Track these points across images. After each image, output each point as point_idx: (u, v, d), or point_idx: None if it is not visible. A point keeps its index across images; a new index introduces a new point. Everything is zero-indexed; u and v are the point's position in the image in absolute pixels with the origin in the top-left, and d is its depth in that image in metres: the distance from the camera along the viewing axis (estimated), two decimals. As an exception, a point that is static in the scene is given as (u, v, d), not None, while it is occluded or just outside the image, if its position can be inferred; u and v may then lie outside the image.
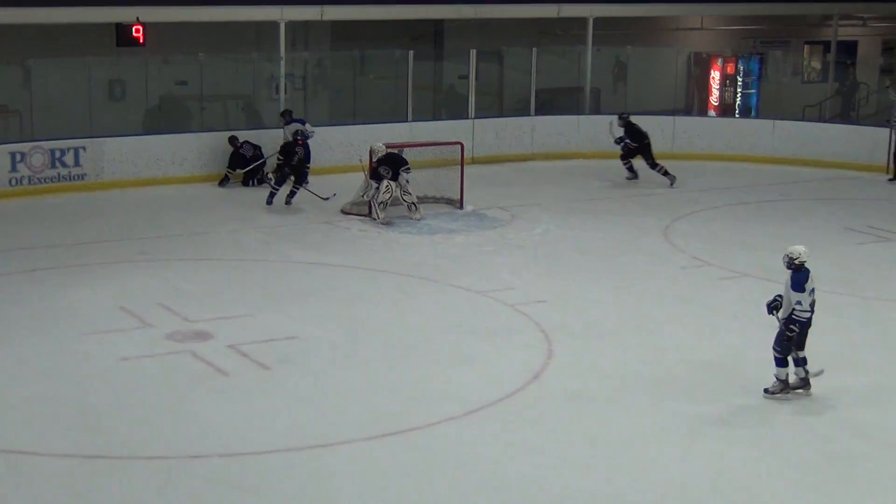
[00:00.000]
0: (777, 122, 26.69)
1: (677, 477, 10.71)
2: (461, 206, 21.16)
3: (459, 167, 21.42)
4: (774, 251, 18.35)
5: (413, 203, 20.38)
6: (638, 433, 11.67)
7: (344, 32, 26.28)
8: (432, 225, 20.12)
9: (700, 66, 30.46)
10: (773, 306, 12.22)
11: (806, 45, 31.74)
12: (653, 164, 23.47)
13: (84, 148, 22.22)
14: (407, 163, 20.34)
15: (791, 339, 12.00)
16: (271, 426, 11.61)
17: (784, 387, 12.16)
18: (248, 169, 22.72)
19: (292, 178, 21.42)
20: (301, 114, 23.68)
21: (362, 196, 20.54)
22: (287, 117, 22.83)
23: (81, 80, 23.20)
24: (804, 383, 12.20)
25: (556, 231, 19.87)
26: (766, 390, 12.22)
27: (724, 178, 24.47)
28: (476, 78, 25.19)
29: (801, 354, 12.15)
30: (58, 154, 22.01)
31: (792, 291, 11.91)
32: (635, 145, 23.48)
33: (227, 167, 22.80)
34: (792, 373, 12.22)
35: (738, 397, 12.60)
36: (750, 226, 20.38)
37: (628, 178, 23.78)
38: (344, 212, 20.66)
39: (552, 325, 14.78)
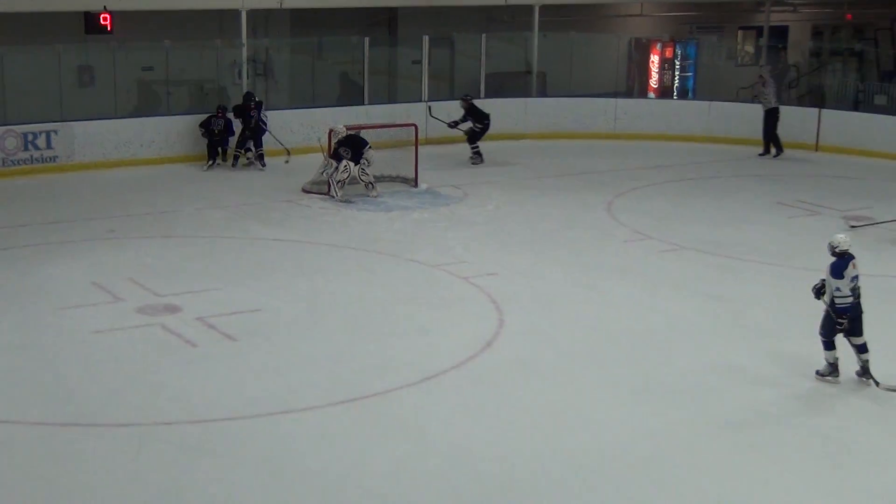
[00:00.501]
0: (713, 103, 26.92)
1: (621, 438, 10.86)
2: (416, 185, 21.22)
3: (414, 147, 21.46)
4: (711, 225, 18.75)
5: (370, 182, 20.42)
6: (584, 398, 11.81)
7: (302, 20, 26.22)
8: (389, 202, 20.16)
9: (640, 51, 30.56)
10: (820, 290, 11.87)
11: (739, 31, 31.92)
12: (479, 154, 23.71)
13: (56, 132, 22.12)
14: (368, 143, 20.36)
15: (842, 327, 11.60)
16: (238, 394, 11.69)
17: (833, 370, 11.83)
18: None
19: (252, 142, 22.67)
20: (262, 97, 23.74)
21: (322, 174, 20.53)
22: (247, 99, 22.95)
23: (52, 66, 23.01)
24: (864, 372, 11.73)
25: (506, 207, 19.97)
26: (817, 372, 11.96)
27: (663, 156, 24.62)
28: (429, 63, 25.17)
29: (856, 342, 11.72)
30: (30, 137, 21.90)
31: (831, 278, 11.59)
32: (480, 126, 23.53)
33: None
34: (857, 359, 11.76)
35: (678, 361, 12.79)
36: (688, 201, 20.58)
37: (474, 163, 23.63)
38: (304, 190, 20.70)
39: (503, 296, 14.87)
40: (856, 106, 26.83)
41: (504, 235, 18.13)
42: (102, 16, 22.79)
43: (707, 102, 26.90)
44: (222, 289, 15.03)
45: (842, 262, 11.54)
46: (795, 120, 25.76)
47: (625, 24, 30.91)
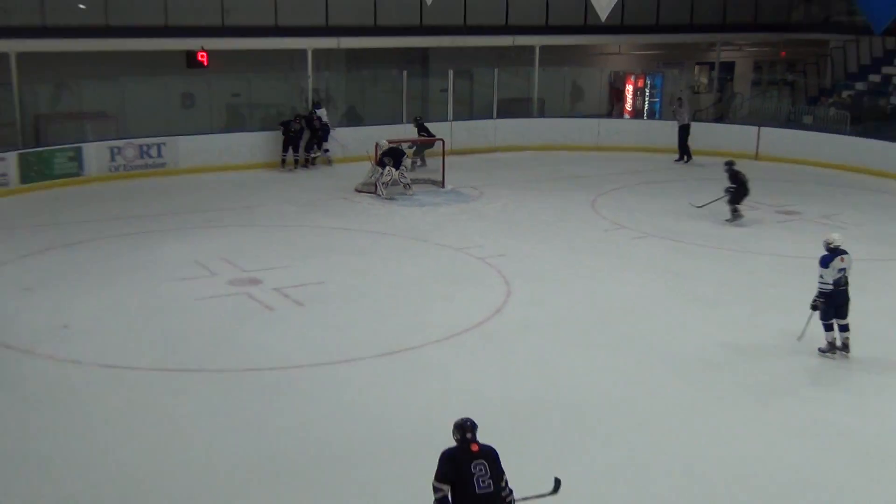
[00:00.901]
0: (675, 122, 26.71)
1: (599, 380, 11.01)
2: (443, 186, 21.22)
3: (441, 157, 21.52)
4: (671, 217, 18.71)
5: (407, 183, 20.50)
6: (571, 350, 11.91)
7: (355, 57, 26.26)
8: (422, 199, 20.20)
9: (618, 82, 30.48)
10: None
11: (696, 65, 31.77)
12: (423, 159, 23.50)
13: (164, 144, 22.23)
14: (405, 153, 20.49)
15: (816, 307, 11.30)
16: (305, 347, 11.84)
17: (830, 348, 11.42)
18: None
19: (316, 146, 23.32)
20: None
21: (370, 178, 20.65)
22: (317, 106, 23.53)
23: (161, 92, 23.21)
24: (843, 347, 11.38)
25: (513, 204, 19.96)
26: (819, 349, 11.50)
27: (636, 164, 24.50)
28: (453, 91, 25.19)
29: (841, 322, 11.30)
30: (145, 148, 22.04)
31: (819, 266, 11.19)
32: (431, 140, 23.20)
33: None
34: (837, 336, 11.40)
35: (644, 321, 12.88)
36: (654, 199, 20.52)
37: (419, 166, 23.16)
38: (357, 190, 20.76)
39: (510, 272, 14.94)
40: (788, 124, 26.69)
41: (511, 225, 18.16)
42: (200, 54, 22.89)
43: (670, 122, 26.77)
44: (293, 266, 15.13)
45: (830, 255, 11.12)
46: (740, 135, 25.70)
47: (606, 60, 30.84)
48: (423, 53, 27.10)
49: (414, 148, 22.82)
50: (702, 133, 25.76)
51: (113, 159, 21.60)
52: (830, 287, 11.11)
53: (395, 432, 9.54)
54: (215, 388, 10.64)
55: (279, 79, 24.89)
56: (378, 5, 24.42)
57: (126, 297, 13.55)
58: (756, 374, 11.21)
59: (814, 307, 11.36)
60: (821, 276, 11.17)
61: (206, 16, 22.53)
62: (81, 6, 21.58)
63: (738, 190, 18.10)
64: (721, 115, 28.99)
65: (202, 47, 22.86)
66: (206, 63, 23.15)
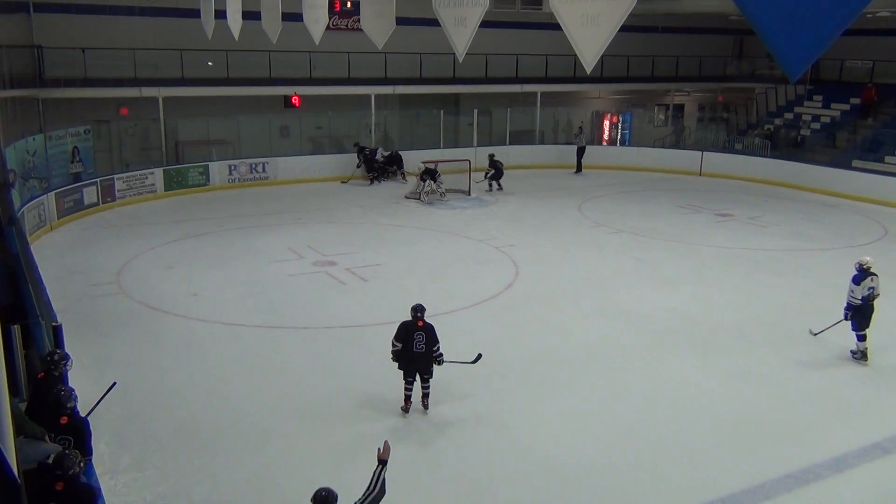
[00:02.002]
0: (640, 148, 26.50)
1: (585, 339, 10.88)
2: (469, 194, 21.07)
3: (468, 173, 21.36)
4: (638, 218, 18.46)
5: (443, 192, 20.38)
6: (564, 315, 11.80)
7: (406, 100, 26.17)
8: (453, 204, 20.03)
9: (598, 118, 30.18)
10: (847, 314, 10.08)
11: (656, 106, 31.38)
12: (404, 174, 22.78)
13: (267, 162, 22.24)
14: (438, 172, 20.38)
15: (847, 317, 9.96)
16: (368, 312, 11.80)
17: (862, 356, 10.00)
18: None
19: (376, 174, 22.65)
20: (381, 144, 23.79)
21: (417, 188, 20.59)
22: (362, 146, 22.79)
23: (265, 125, 23.22)
24: (861, 355, 10.02)
25: (520, 208, 19.77)
26: (851, 351, 10.13)
27: (612, 178, 24.26)
28: (477, 125, 25.02)
29: (860, 332, 9.96)
30: (254, 165, 22.04)
31: (851, 283, 9.89)
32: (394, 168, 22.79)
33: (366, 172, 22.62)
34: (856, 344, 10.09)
35: (618, 294, 12.71)
36: (626, 205, 20.24)
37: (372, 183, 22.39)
38: (406, 197, 20.65)
39: (518, 258, 14.83)
40: (724, 149, 26.34)
41: (519, 223, 18.00)
42: (294, 98, 22.93)
43: (636, 148, 26.57)
44: (359, 251, 15.10)
45: (863, 274, 9.87)
46: (688, 157, 25.35)
47: (590, 102, 30.55)
48: (456, 97, 26.94)
49: (491, 172, 21.92)
50: (660, 156, 25.61)
51: (231, 173, 21.66)
52: (859, 302, 9.86)
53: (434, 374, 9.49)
54: (302, 341, 10.64)
55: (350, 115, 24.84)
56: (423, 62, 24.33)
57: (239, 274, 13.60)
58: (699, 333, 11.04)
59: (846, 316, 10.01)
60: (851, 292, 9.90)
61: (299, 70, 22.52)
62: (210, 63, 21.64)
63: (497, 172, 21.37)
64: (674, 143, 28.61)
65: (295, 93, 22.92)
66: (297, 104, 23.20)
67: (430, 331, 8.27)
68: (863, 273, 9.91)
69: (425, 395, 8.44)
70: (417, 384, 8.49)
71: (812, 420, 8.60)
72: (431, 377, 8.41)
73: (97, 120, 20.56)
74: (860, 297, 9.88)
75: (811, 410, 8.82)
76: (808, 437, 8.23)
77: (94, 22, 20.65)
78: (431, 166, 20.62)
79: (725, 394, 9.16)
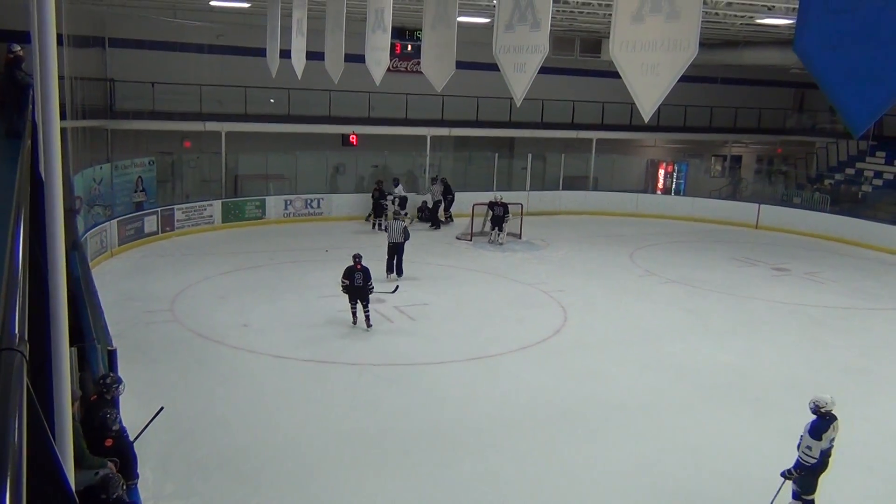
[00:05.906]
0: (696, 198, 26.17)
1: (631, 388, 10.68)
2: (521, 237, 21.05)
3: (520, 216, 21.36)
4: (691, 268, 18.20)
5: (501, 242, 20.19)
6: (610, 363, 11.64)
7: (462, 142, 26.42)
8: (504, 247, 20.01)
9: (653, 167, 29.99)
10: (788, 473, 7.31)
11: (713, 157, 31.07)
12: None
13: (322, 198, 22.56)
14: (506, 213, 20.20)
15: (790, 477, 7.24)
16: (413, 351, 11.81)
17: None
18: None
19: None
20: (429, 185, 23.92)
21: (482, 230, 20.54)
22: (395, 184, 22.33)
23: (322, 163, 23.64)
24: None
25: (571, 253, 19.66)
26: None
27: (666, 228, 24.00)
28: (531, 169, 25.09)
29: (807, 498, 7.27)
30: (309, 201, 22.36)
31: (808, 436, 7.11)
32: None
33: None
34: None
35: (666, 346, 12.48)
36: (679, 255, 19.97)
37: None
38: (457, 238, 20.74)
39: (567, 303, 14.73)
40: (781, 202, 25.88)
41: (569, 268, 17.90)
42: (352, 136, 23.31)
43: (692, 198, 26.26)
44: (408, 290, 15.08)
45: (823, 423, 7.13)
46: (745, 209, 24.97)
47: (645, 151, 30.41)
48: (510, 141, 27.09)
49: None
50: (716, 207, 25.29)
51: (286, 208, 22.00)
52: (815, 460, 7.10)
53: (475, 417, 9.42)
54: (348, 376, 10.67)
55: (405, 155, 25.14)
56: (480, 105, 24.57)
57: (289, 307, 13.75)
58: (751, 390, 10.75)
59: (787, 476, 7.29)
60: (808, 448, 7.11)
61: (357, 109, 22.89)
62: (272, 100, 22.25)
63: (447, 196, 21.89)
64: (731, 195, 28.21)
65: (353, 132, 23.27)
66: (355, 143, 23.52)
67: (366, 272, 12.29)
68: (822, 421, 7.14)
69: (367, 317, 12.47)
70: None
71: (866, 485, 8.25)
72: (369, 303, 12.44)
73: (161, 151, 21.24)
74: (818, 454, 7.10)
75: (866, 475, 8.47)
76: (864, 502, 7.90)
77: (164, 58, 21.45)
78: (499, 209, 20.22)
79: (779, 453, 8.85)
